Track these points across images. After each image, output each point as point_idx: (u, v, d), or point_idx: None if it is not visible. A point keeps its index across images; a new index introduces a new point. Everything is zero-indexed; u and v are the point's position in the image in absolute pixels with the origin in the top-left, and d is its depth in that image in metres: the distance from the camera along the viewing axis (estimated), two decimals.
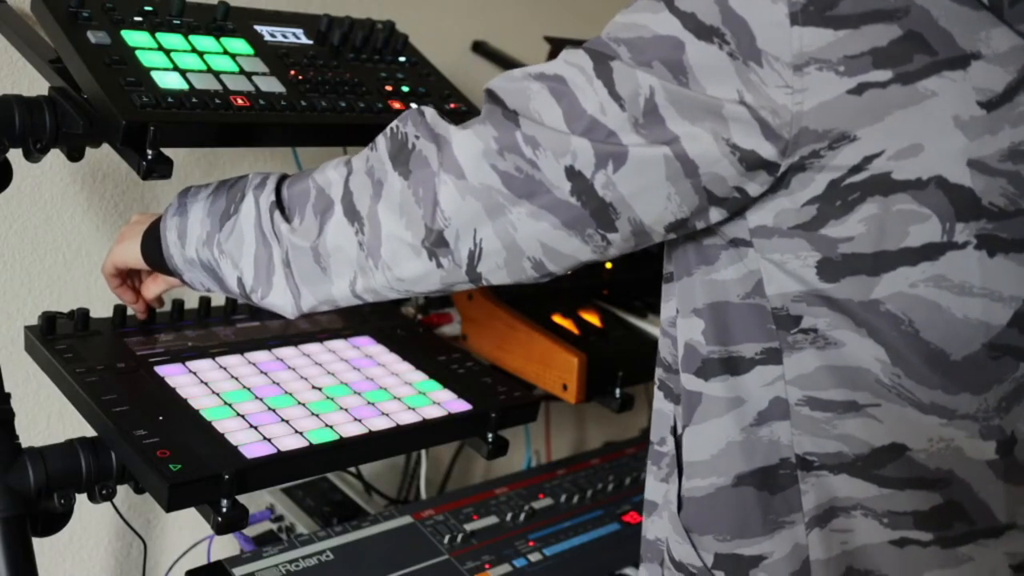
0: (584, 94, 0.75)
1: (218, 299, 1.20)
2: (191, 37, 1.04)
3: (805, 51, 0.68)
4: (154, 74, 0.96)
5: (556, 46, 1.48)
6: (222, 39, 1.07)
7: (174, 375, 1.05)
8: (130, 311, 1.13)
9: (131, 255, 1.01)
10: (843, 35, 0.68)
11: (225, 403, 1.02)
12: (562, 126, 0.75)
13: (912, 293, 0.72)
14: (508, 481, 1.29)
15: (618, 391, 1.26)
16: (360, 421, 1.03)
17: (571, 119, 0.75)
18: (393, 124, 0.86)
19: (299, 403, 1.05)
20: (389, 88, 1.13)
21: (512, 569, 1.10)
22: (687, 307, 0.84)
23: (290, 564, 1.03)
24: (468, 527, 1.16)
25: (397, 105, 1.10)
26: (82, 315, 1.09)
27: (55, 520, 0.96)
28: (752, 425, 0.81)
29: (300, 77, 1.07)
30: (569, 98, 0.75)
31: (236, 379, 1.08)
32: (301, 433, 0.99)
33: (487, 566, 1.10)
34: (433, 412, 1.08)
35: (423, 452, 1.51)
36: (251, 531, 1.31)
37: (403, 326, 1.29)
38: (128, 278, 1.08)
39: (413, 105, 1.07)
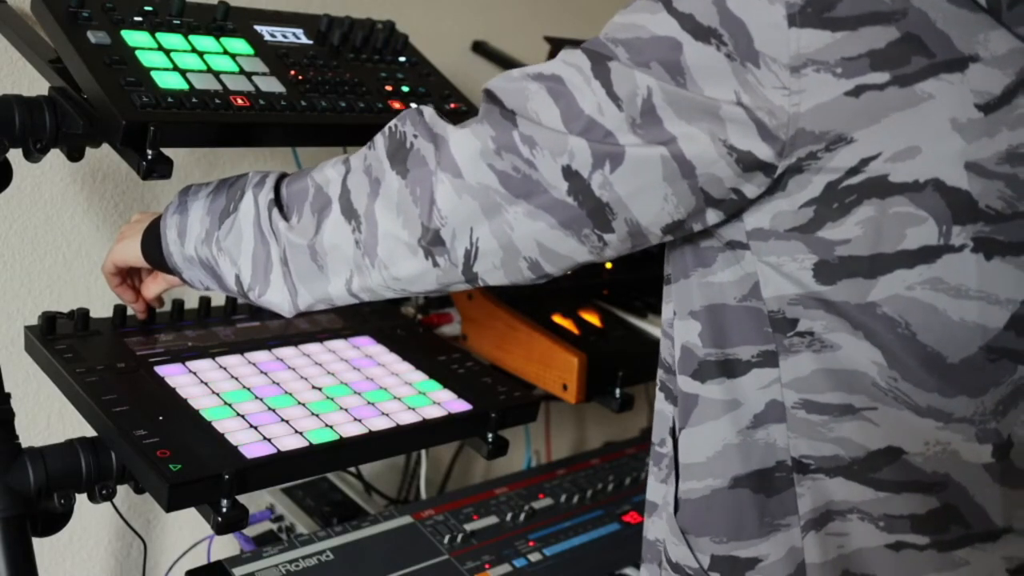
0: (582, 94, 0.75)
1: (218, 299, 1.20)
2: (191, 37, 1.04)
3: (802, 53, 0.68)
4: (154, 74, 0.96)
5: (556, 46, 1.47)
6: (222, 39, 1.07)
7: (174, 375, 1.05)
8: (130, 311, 1.14)
9: (131, 253, 1.01)
10: (841, 37, 0.68)
11: (225, 403, 1.02)
12: (559, 126, 0.75)
13: (909, 296, 0.72)
14: (508, 481, 1.29)
15: (618, 391, 1.26)
16: (360, 421, 1.03)
17: (568, 119, 0.75)
18: (392, 123, 0.86)
19: (299, 403, 1.05)
20: (389, 88, 1.13)
21: (512, 569, 1.11)
22: (684, 309, 0.84)
23: (290, 564, 1.04)
24: (468, 527, 1.16)
25: (397, 105, 1.10)
26: (82, 315, 1.09)
27: (55, 520, 0.97)
28: (748, 428, 0.81)
29: (300, 77, 1.07)
30: (567, 98, 0.75)
31: (236, 379, 1.08)
32: (301, 433, 0.99)
33: (487, 566, 1.10)
34: (433, 412, 1.08)
35: (423, 452, 1.51)
36: (251, 531, 1.31)
37: (403, 326, 1.29)
38: (128, 277, 1.09)
39: (413, 105, 1.07)
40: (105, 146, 0.97)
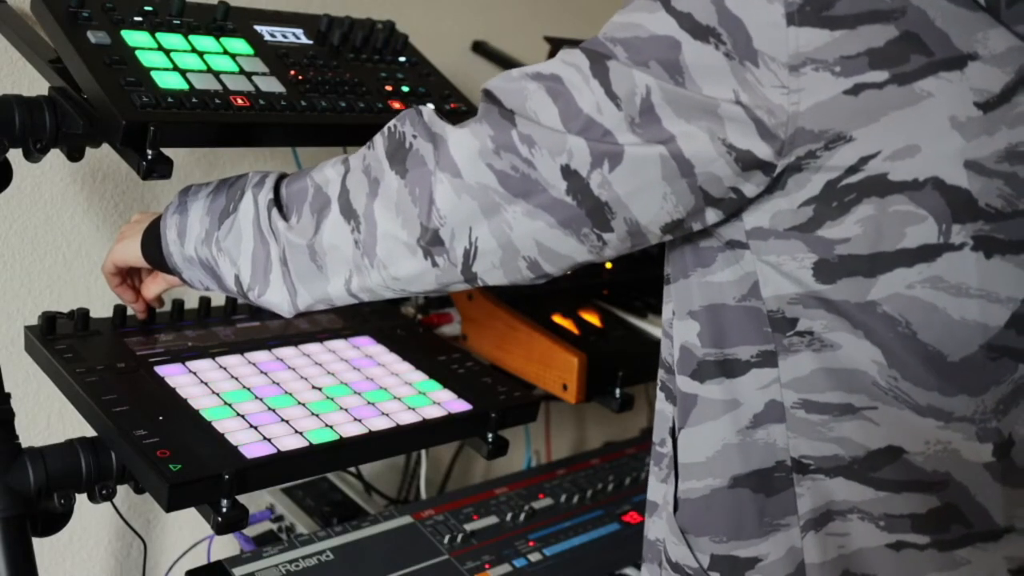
0: (580, 93, 0.75)
1: (218, 299, 1.20)
2: (191, 37, 1.05)
3: (801, 51, 0.68)
4: (154, 74, 0.96)
5: (556, 46, 1.48)
6: (222, 39, 1.07)
7: (174, 375, 1.05)
8: (130, 311, 1.14)
9: (131, 253, 1.01)
10: (839, 35, 0.68)
11: (225, 403, 1.02)
12: (558, 125, 0.75)
13: (909, 294, 0.72)
14: (508, 481, 1.29)
15: (618, 391, 1.26)
16: (360, 421, 1.03)
17: (567, 118, 0.75)
18: (391, 123, 0.86)
19: (299, 403, 1.05)
20: (389, 88, 1.13)
21: (512, 569, 1.11)
22: (683, 309, 0.84)
23: (290, 564, 1.04)
24: (468, 527, 1.16)
25: (397, 105, 1.10)
26: (82, 315, 1.09)
27: (55, 520, 0.97)
28: (748, 428, 0.81)
29: (300, 77, 1.07)
30: (565, 97, 0.75)
31: (236, 379, 1.08)
32: (301, 433, 0.99)
33: (487, 566, 1.10)
34: (433, 412, 1.08)
35: (423, 452, 1.51)
36: (251, 531, 1.31)
37: (403, 326, 1.29)
38: (128, 277, 1.09)
39: (413, 105, 1.07)
40: (105, 146, 0.97)
